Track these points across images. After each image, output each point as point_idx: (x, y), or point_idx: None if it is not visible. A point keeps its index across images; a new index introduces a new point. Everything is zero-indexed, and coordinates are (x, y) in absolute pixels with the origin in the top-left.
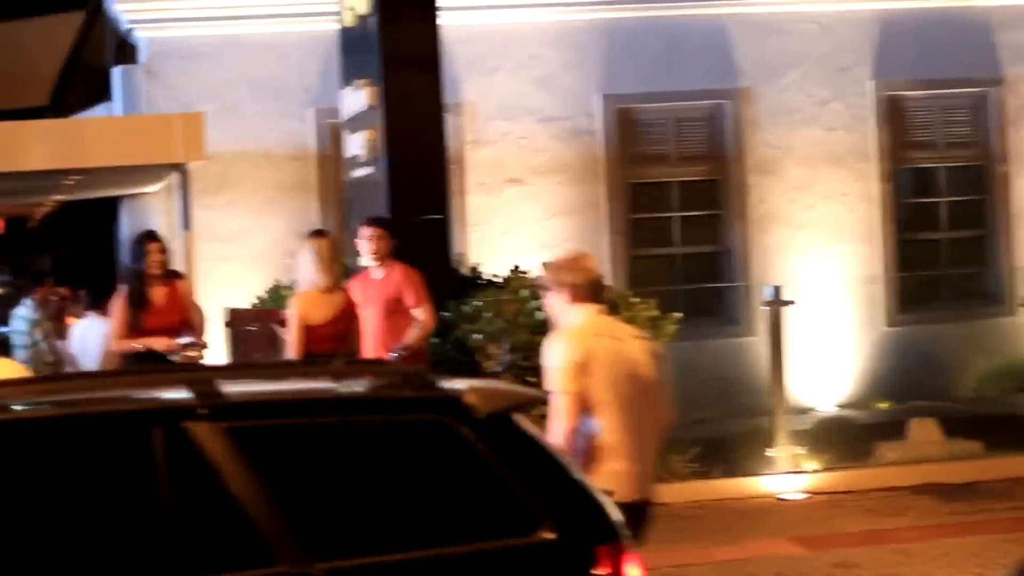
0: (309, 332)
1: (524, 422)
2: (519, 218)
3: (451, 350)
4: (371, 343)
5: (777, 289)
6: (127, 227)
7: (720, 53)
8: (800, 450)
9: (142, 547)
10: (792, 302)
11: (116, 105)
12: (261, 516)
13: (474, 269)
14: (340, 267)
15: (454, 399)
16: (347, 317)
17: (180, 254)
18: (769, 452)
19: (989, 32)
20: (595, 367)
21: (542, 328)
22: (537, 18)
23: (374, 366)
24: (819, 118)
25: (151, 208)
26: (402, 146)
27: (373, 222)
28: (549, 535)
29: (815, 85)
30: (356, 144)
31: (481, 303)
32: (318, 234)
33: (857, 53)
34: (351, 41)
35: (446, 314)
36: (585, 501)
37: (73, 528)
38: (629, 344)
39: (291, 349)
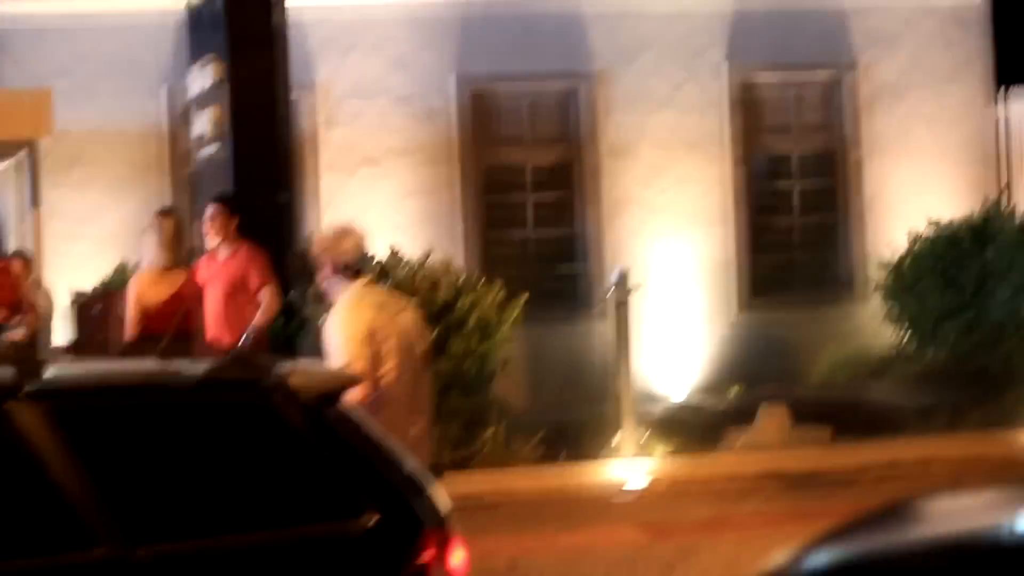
0: (147, 312)
1: (350, 406)
2: (372, 199)
3: (296, 332)
4: (214, 324)
5: (623, 274)
6: None
7: (574, 36)
8: (647, 437)
9: None
10: (632, 289)
11: None
12: (81, 499)
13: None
14: (185, 247)
15: (279, 382)
16: (187, 297)
17: (29, 233)
18: (615, 438)
19: (842, 17)
20: (377, 338)
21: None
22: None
23: (202, 347)
24: (673, 102)
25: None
26: (247, 125)
27: (215, 201)
28: (372, 520)
29: (669, 69)
30: (202, 122)
31: None
32: (164, 213)
33: (711, 37)
34: (199, 19)
35: (291, 295)
36: (409, 487)
37: None
38: (405, 315)
39: (128, 329)
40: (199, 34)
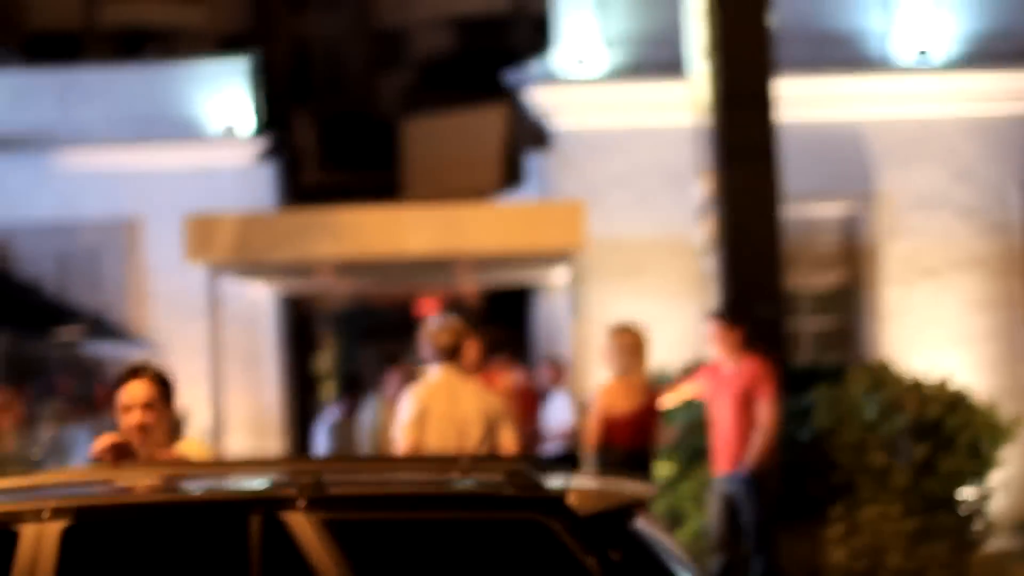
0: (609, 422)
1: (639, 523)
2: (935, 312)
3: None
4: (722, 437)
5: None
6: (542, 313)
7: None
8: None
9: None
10: None
11: (530, 190)
12: None
13: (815, 363)
14: (645, 359)
15: (555, 499)
16: (647, 411)
17: (569, 341)
18: None
19: None
20: (427, 421)
21: (873, 426)
22: (955, 111)
23: (487, 462)
24: None
25: (558, 294)
26: (734, 237)
27: (715, 316)
28: None
29: None
30: (703, 232)
31: (812, 400)
32: (622, 329)
33: None
34: (701, 133)
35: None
36: None
37: None
38: (464, 402)
39: (588, 437)
40: (701, 148)
